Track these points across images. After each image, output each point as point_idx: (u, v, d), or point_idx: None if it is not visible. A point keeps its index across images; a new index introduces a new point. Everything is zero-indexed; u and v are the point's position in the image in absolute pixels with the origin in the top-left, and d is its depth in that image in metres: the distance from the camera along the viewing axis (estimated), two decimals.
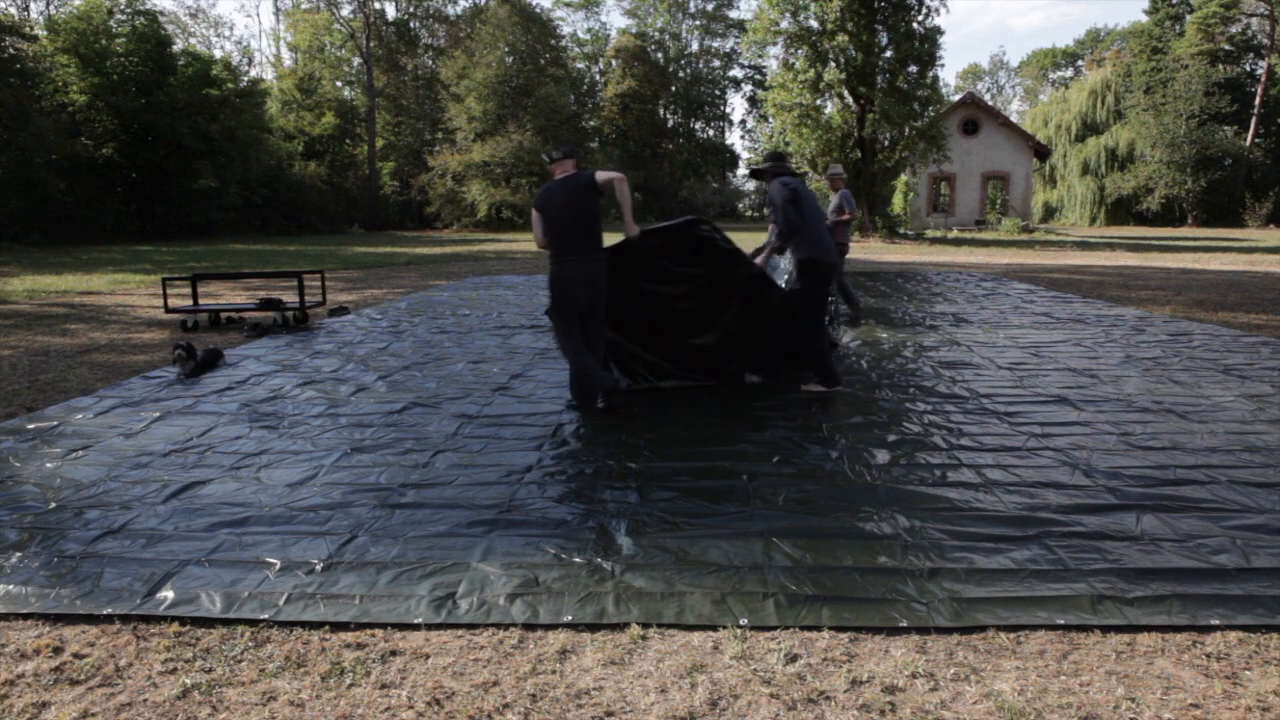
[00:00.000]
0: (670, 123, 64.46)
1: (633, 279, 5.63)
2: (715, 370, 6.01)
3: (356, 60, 51.00)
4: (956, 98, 38.83)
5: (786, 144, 29.03)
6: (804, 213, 5.73)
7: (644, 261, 5.62)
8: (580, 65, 62.57)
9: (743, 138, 79.34)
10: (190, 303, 9.69)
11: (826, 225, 6.00)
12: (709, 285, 5.77)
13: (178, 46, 33.89)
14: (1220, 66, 46.59)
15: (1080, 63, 71.11)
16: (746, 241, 27.42)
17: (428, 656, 2.48)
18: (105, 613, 2.71)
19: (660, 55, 63.67)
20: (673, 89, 62.93)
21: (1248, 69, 48.72)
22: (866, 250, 23.54)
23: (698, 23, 66.08)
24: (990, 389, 5.82)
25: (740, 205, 69.92)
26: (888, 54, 27.65)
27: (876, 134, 28.13)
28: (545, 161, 5.87)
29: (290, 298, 10.41)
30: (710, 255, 5.73)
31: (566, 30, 61.63)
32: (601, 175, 5.14)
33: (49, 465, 4.24)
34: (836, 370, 5.93)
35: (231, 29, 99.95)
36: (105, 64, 29.34)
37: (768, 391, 5.79)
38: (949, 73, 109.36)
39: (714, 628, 2.61)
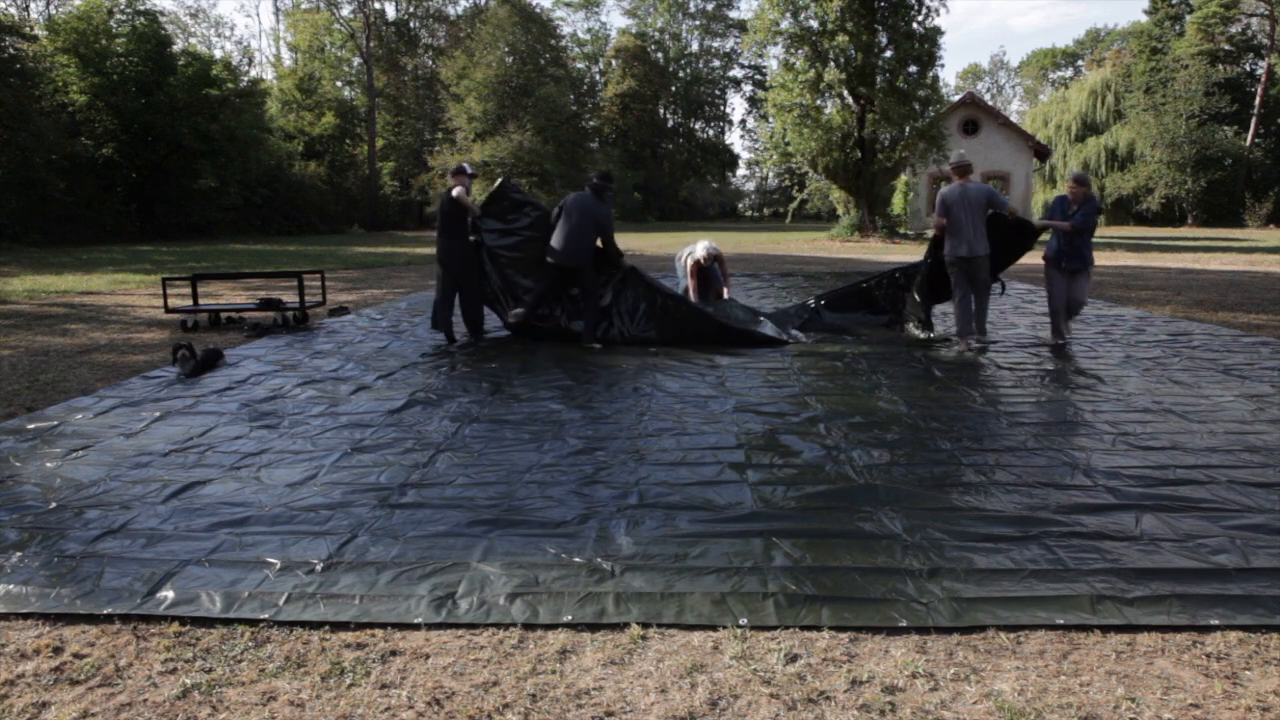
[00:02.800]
0: (670, 123, 64.50)
1: (485, 249, 7.82)
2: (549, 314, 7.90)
3: (356, 60, 51.02)
4: (956, 98, 38.82)
5: (787, 144, 29.03)
6: (559, 221, 7.48)
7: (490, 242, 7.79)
8: (580, 65, 62.60)
9: (742, 137, 79.43)
10: (190, 303, 9.68)
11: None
12: (531, 237, 7.68)
13: (178, 46, 33.83)
14: (1220, 66, 46.57)
15: (1080, 63, 71.09)
16: (743, 242, 27.34)
17: (428, 656, 2.48)
18: (105, 613, 2.71)
19: (660, 55, 63.69)
20: (673, 89, 62.94)
21: (1248, 69, 48.72)
22: (867, 250, 23.55)
23: (698, 23, 66.12)
24: (991, 389, 5.83)
25: (740, 205, 69.92)
26: (887, 54, 27.67)
27: (876, 134, 28.13)
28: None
29: (290, 298, 10.40)
30: (527, 210, 7.74)
31: (566, 30, 61.72)
32: (456, 192, 7.53)
33: (49, 465, 4.24)
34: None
35: (232, 29, 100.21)
36: (105, 64, 29.29)
37: (765, 392, 5.79)
38: (949, 73, 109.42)
39: (714, 628, 2.61)
